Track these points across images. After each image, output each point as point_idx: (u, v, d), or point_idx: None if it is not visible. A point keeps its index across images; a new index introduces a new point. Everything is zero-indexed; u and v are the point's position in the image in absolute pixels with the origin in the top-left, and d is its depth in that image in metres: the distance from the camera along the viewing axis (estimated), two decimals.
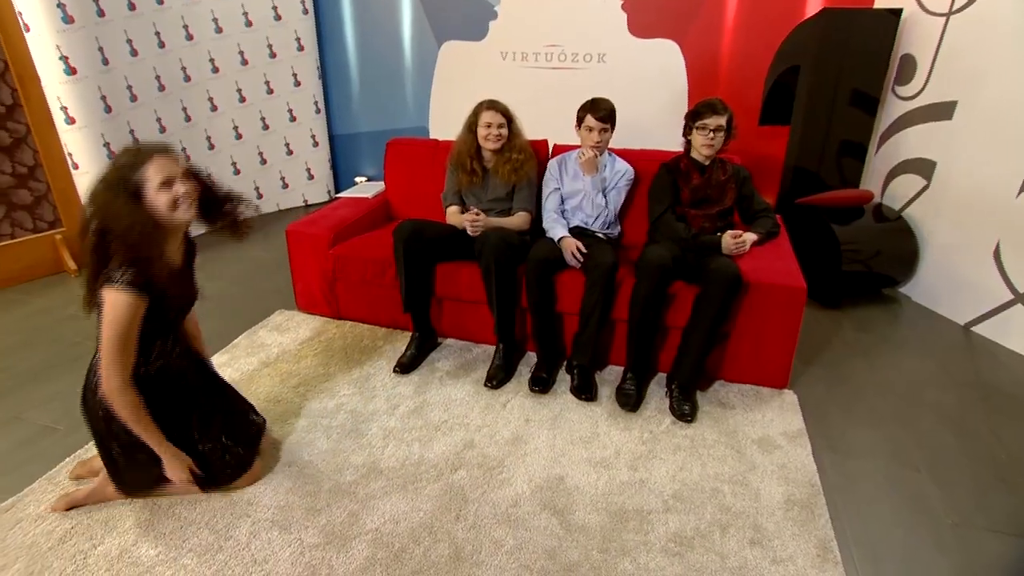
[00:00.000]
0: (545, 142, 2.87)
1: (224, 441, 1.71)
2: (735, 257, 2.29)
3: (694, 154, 2.47)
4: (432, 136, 4.20)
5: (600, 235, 2.55)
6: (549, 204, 2.59)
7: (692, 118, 2.42)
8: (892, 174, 3.17)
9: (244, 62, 3.96)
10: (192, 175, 1.55)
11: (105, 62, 3.22)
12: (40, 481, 1.80)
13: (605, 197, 2.53)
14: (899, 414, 2.17)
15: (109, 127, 3.26)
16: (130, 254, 1.41)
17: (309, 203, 4.51)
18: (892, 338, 2.73)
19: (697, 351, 2.18)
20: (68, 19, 2.95)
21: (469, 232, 2.42)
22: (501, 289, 2.33)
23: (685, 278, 2.28)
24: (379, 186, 3.15)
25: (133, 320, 1.44)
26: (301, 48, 4.12)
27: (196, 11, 3.68)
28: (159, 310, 1.51)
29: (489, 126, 2.52)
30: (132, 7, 3.33)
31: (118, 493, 1.71)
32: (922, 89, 2.96)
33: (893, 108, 3.15)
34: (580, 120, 2.49)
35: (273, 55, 4.05)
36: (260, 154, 4.20)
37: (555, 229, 2.49)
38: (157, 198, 1.45)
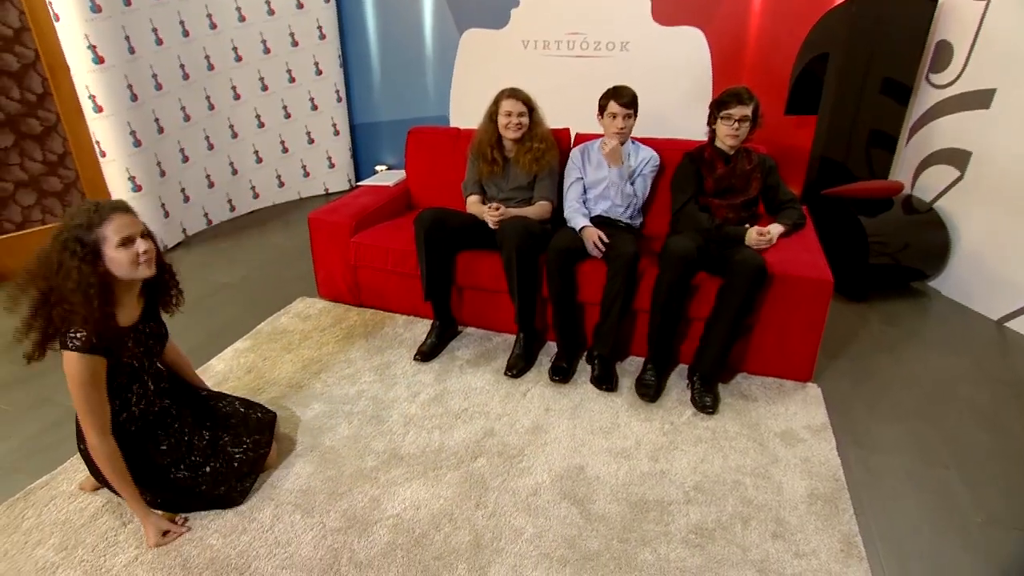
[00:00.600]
0: (567, 131, 2.85)
1: (231, 451, 1.73)
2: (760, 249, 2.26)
3: (718, 143, 2.43)
4: (453, 125, 4.19)
5: (623, 223, 2.52)
6: (571, 194, 2.56)
7: (717, 107, 2.38)
8: (923, 165, 3.08)
9: (267, 51, 3.98)
10: (149, 234, 1.53)
11: (131, 51, 3.25)
12: (72, 459, 1.85)
13: (632, 186, 2.51)
14: (927, 410, 2.13)
15: (135, 115, 3.31)
16: (81, 316, 1.38)
17: (330, 191, 4.54)
18: (920, 333, 2.67)
19: (720, 343, 2.15)
20: (96, 8, 2.99)
21: (490, 224, 2.42)
22: (522, 278, 2.32)
23: (708, 269, 2.25)
24: (400, 175, 3.16)
25: (96, 379, 1.44)
26: (323, 37, 4.13)
27: (220, 0, 3.71)
28: (123, 364, 1.52)
29: (510, 115, 2.50)
30: None
31: None
32: (958, 76, 2.87)
33: (926, 96, 3.06)
34: (602, 108, 2.47)
35: (295, 44, 4.06)
36: (282, 142, 4.23)
37: (576, 219, 2.47)
38: (117, 256, 1.42)
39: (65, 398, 2.29)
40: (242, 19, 3.83)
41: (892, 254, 2.86)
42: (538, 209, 2.55)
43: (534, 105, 2.57)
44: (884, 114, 3.11)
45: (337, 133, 4.41)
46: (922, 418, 2.08)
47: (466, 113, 4.13)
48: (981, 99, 2.75)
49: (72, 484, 1.75)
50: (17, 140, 3.18)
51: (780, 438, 1.95)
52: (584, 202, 2.59)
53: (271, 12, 3.92)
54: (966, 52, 2.82)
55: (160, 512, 1.63)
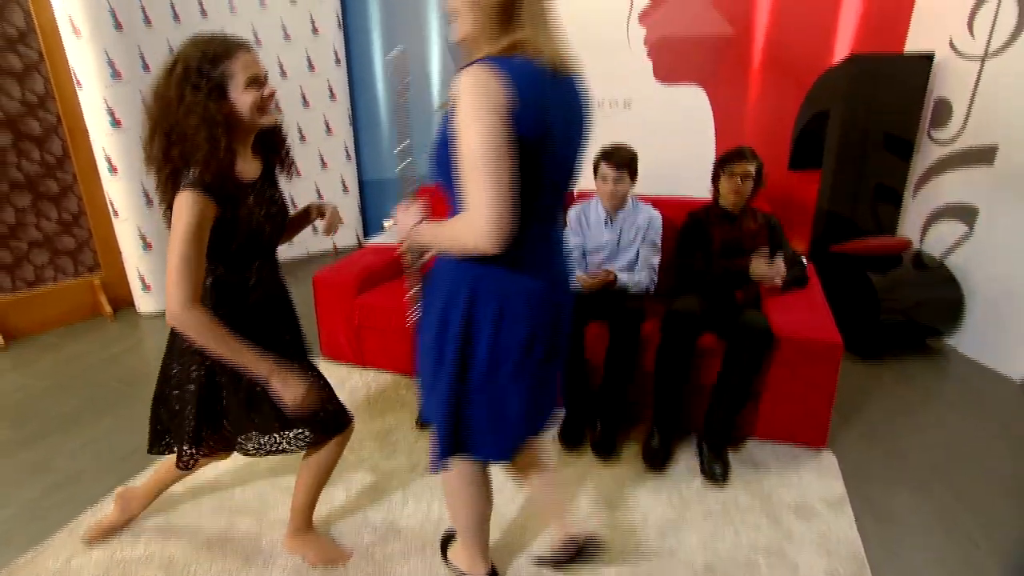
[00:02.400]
0: (571, 194, 2.86)
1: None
2: (764, 284, 2.23)
3: (722, 202, 2.43)
4: None
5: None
6: (571, 260, 2.51)
7: (721, 164, 2.39)
8: (931, 220, 3.06)
9: (277, 109, 4.09)
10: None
11: None
12: (60, 534, 1.80)
13: (639, 252, 2.44)
14: (950, 479, 2.03)
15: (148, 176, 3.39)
16: (203, 153, 1.24)
17: (339, 248, 4.58)
18: (939, 394, 2.58)
19: (728, 408, 2.09)
20: (116, 75, 3.10)
21: None
22: None
23: (715, 330, 2.21)
24: None
25: (200, 228, 1.25)
26: (333, 97, 4.25)
27: None
28: (241, 221, 1.34)
29: None
30: None
31: (142, 501, 1.74)
32: (959, 133, 2.88)
33: (929, 152, 3.06)
34: (595, 169, 2.42)
35: (307, 104, 4.19)
36: (291, 200, 4.30)
37: (574, 275, 2.44)
38: (242, 97, 1.27)
39: (66, 462, 2.27)
40: None
41: (904, 311, 2.81)
42: None
43: None
44: (888, 169, 3.11)
45: (346, 190, 4.49)
46: (946, 487, 1.99)
47: None
48: (984, 156, 2.75)
49: (58, 561, 1.70)
50: (34, 200, 3.26)
51: (795, 512, 1.86)
52: (586, 268, 2.56)
53: (283, 74, 4.06)
54: (965, 109, 2.83)
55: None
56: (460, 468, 1.37)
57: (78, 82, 3.11)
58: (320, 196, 4.44)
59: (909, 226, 3.21)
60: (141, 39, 3.32)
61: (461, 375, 1.20)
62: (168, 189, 1.29)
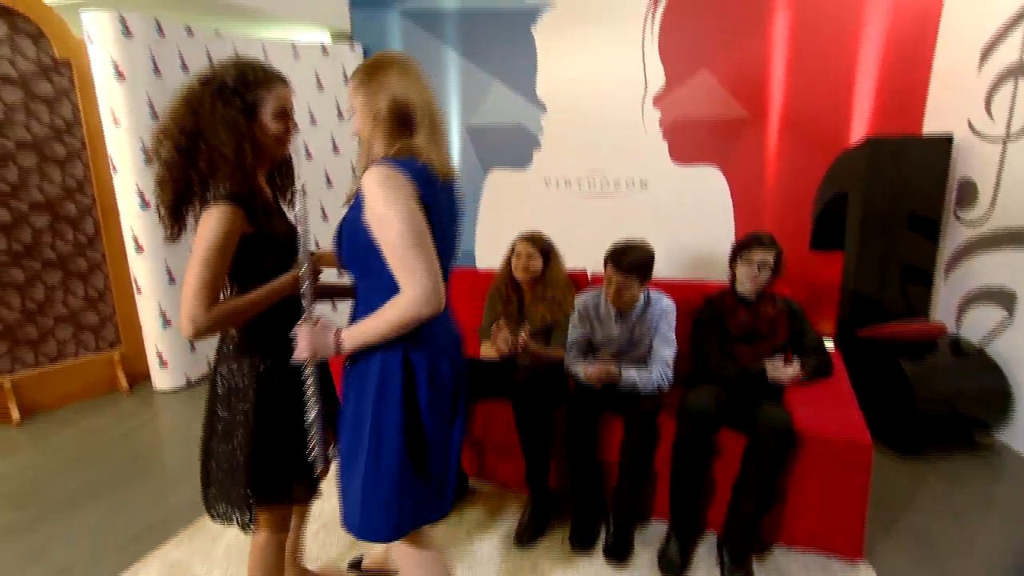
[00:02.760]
0: (584, 274, 2.83)
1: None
2: (786, 385, 2.10)
3: (738, 287, 2.35)
4: (478, 260, 4.27)
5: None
6: (573, 347, 2.35)
7: (738, 250, 2.33)
8: (966, 304, 2.91)
9: (303, 191, 4.23)
10: None
11: None
12: None
13: (652, 347, 2.33)
14: None
15: (171, 253, 3.48)
16: (230, 164, 1.22)
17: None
18: (990, 496, 2.36)
19: (749, 511, 1.93)
20: (149, 160, 3.25)
21: (500, 345, 2.27)
22: (532, 430, 2.19)
23: (733, 424, 2.08)
24: None
25: (227, 240, 1.21)
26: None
27: None
28: (270, 237, 1.32)
29: (519, 256, 2.51)
30: None
31: None
32: (988, 214, 2.78)
33: (957, 233, 2.96)
34: (605, 265, 2.27)
35: (330, 184, 4.32)
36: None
37: (577, 367, 2.29)
38: (272, 125, 1.29)
39: (62, 549, 2.21)
40: None
41: (943, 401, 2.62)
42: (556, 352, 2.47)
43: (551, 250, 2.57)
44: (915, 249, 3.00)
45: None
46: None
47: (490, 248, 4.23)
48: (1016, 238, 2.64)
49: None
50: (64, 278, 3.36)
51: None
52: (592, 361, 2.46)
53: (308, 156, 4.22)
54: (991, 190, 2.75)
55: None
56: (417, 540, 1.36)
57: (114, 167, 3.27)
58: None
59: (942, 310, 3.06)
60: None
61: (413, 450, 1.26)
62: (188, 201, 1.27)
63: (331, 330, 1.22)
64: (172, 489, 2.51)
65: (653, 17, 3.54)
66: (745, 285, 2.30)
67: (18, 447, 2.97)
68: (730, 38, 3.37)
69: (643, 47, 3.59)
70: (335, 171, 4.32)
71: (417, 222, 1.14)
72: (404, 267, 1.13)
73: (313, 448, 1.31)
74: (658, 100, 3.61)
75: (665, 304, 2.38)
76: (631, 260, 2.16)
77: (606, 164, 3.79)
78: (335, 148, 4.28)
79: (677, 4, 3.47)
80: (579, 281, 2.77)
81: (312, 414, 1.30)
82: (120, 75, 3.09)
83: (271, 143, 1.32)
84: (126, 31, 3.08)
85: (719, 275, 3.55)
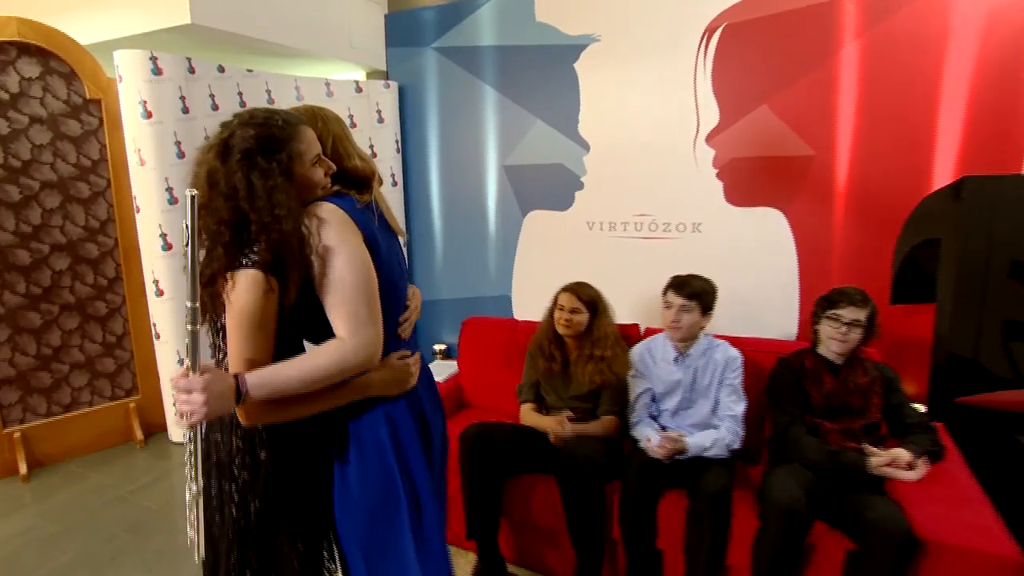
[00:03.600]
0: (636, 328, 2.52)
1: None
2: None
3: (822, 350, 2.02)
4: (515, 309, 4.00)
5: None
6: (638, 407, 2.17)
7: (823, 305, 2.02)
8: None
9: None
10: None
11: None
12: None
13: (718, 401, 2.08)
14: None
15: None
16: (278, 234, 1.08)
17: None
18: None
19: None
20: (173, 200, 3.11)
21: (552, 439, 2.04)
22: (582, 519, 1.87)
23: (826, 518, 1.72)
24: (451, 367, 2.89)
25: (258, 304, 1.07)
26: None
27: None
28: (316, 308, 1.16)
29: (562, 309, 2.25)
30: None
31: None
32: None
33: None
34: (664, 293, 2.17)
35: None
36: None
37: (643, 430, 2.05)
38: (311, 175, 1.16)
39: None
40: None
41: None
42: (603, 425, 2.16)
43: (599, 303, 2.29)
44: (1018, 302, 2.61)
45: None
46: None
47: (528, 295, 3.96)
48: None
49: None
50: (82, 323, 3.21)
51: None
52: (654, 418, 2.18)
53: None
54: None
55: None
56: None
57: (137, 207, 3.14)
58: None
59: None
60: None
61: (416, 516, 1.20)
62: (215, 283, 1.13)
63: (223, 377, 1.04)
64: (173, 567, 2.24)
65: (706, 49, 3.30)
66: (831, 348, 1.98)
67: (21, 504, 2.77)
68: (793, 69, 3.09)
69: (695, 81, 3.34)
70: None
71: (364, 260, 1.13)
72: (345, 309, 1.10)
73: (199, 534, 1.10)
74: (712, 137, 3.34)
75: (730, 352, 2.14)
76: (694, 287, 2.07)
77: (654, 206, 3.51)
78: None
79: (733, 35, 3.22)
80: (630, 336, 2.46)
81: (195, 487, 1.08)
82: (148, 114, 2.97)
83: (312, 193, 1.18)
84: (156, 70, 2.98)
85: (783, 333, 3.21)
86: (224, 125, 1.14)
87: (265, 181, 1.09)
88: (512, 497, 2.08)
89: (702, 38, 3.30)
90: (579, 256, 3.72)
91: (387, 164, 4.15)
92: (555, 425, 2.06)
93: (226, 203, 1.09)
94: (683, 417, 2.14)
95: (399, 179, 4.25)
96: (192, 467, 1.08)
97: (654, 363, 2.19)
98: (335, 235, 1.10)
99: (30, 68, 2.93)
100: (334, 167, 1.22)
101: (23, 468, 2.98)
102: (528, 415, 2.28)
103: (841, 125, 3.03)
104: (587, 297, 2.27)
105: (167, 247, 3.13)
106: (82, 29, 3.12)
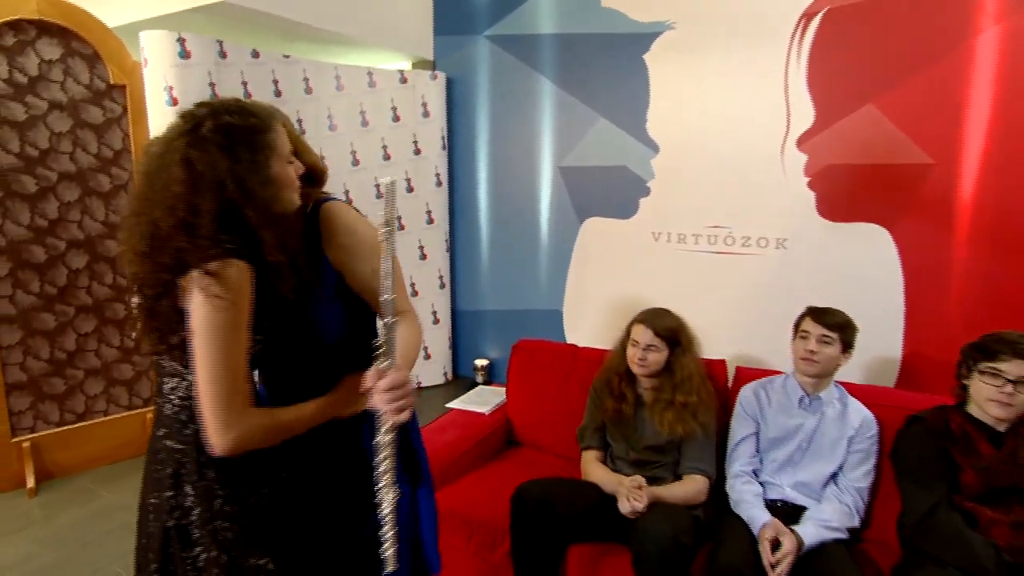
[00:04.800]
0: (722, 364, 2.12)
1: None
2: None
3: (976, 412, 1.59)
4: (566, 322, 3.62)
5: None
6: (739, 454, 1.80)
7: (974, 356, 1.59)
8: None
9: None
10: None
11: None
12: None
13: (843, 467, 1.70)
14: None
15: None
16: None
17: (423, 385, 4.01)
18: None
19: None
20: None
21: (623, 511, 1.66)
22: None
23: None
24: (499, 396, 2.52)
25: (241, 310, 0.95)
26: (431, 221, 3.88)
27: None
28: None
29: (635, 344, 1.87)
30: None
31: None
32: None
33: None
34: (796, 327, 1.83)
35: (401, 227, 3.82)
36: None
37: (749, 506, 1.67)
38: (286, 173, 1.05)
39: None
40: (349, 201, 3.66)
41: None
42: (686, 489, 1.77)
43: (680, 338, 1.89)
44: None
45: (437, 321, 3.99)
46: None
47: (580, 315, 3.58)
48: None
49: None
50: (99, 325, 2.97)
51: None
52: (755, 472, 1.80)
53: (380, 196, 3.74)
54: None
55: None
56: None
57: None
58: None
59: None
60: None
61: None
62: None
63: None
64: None
65: (802, 38, 2.85)
66: (991, 411, 1.54)
67: (26, 523, 2.54)
68: (909, 62, 2.62)
69: (786, 75, 2.90)
70: (408, 212, 3.83)
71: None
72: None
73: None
74: (804, 141, 2.89)
75: (866, 413, 1.80)
76: (838, 319, 1.75)
77: (732, 217, 3.08)
78: (410, 188, 3.79)
79: (836, 22, 2.77)
80: (716, 375, 2.06)
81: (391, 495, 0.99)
82: (173, 101, 2.70)
83: (288, 196, 1.06)
84: (184, 53, 2.70)
85: (874, 371, 2.75)
86: (190, 113, 1.00)
87: (255, 155, 0.99)
88: (576, 569, 1.71)
89: (798, 24, 2.85)
90: (642, 270, 3.32)
91: (432, 162, 3.82)
92: (627, 496, 1.67)
93: (209, 194, 0.94)
94: (791, 473, 1.77)
95: (444, 179, 3.91)
96: (388, 472, 1.00)
97: (769, 404, 1.83)
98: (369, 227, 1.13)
99: (51, 50, 2.68)
100: (303, 168, 1.11)
101: (31, 481, 2.75)
102: (592, 467, 1.91)
103: (970, 130, 2.55)
104: (665, 331, 1.88)
105: None
106: (107, 9, 2.88)
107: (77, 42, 2.75)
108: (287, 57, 3.22)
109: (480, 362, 3.90)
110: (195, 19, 2.85)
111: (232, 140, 0.97)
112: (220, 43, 2.87)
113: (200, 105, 1.01)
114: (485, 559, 1.85)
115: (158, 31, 2.70)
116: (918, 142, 2.65)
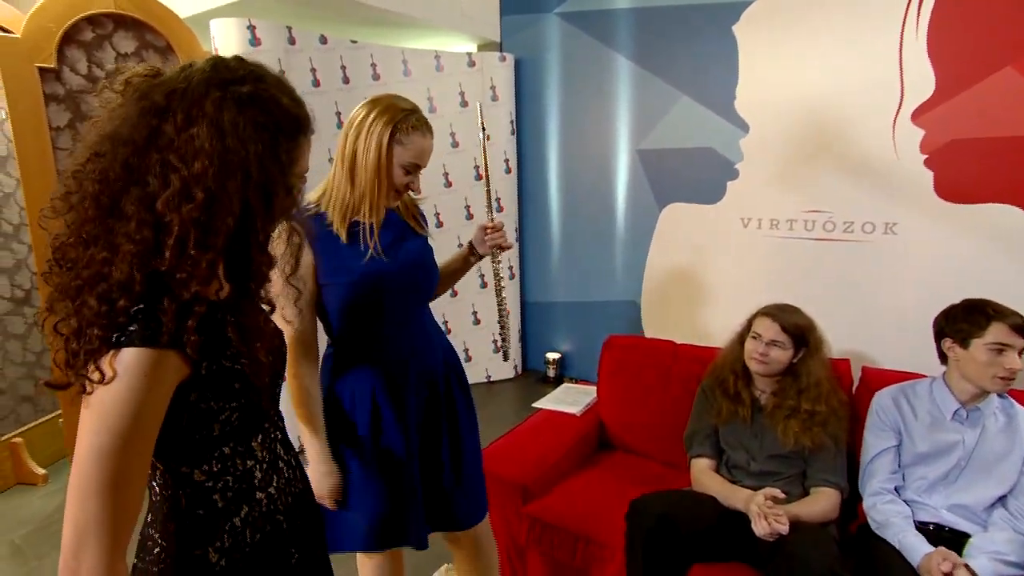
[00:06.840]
0: (846, 363, 1.91)
1: None
2: None
3: None
4: (644, 315, 3.43)
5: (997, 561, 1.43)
6: (877, 469, 1.61)
7: None
8: None
9: (439, 223, 3.64)
10: None
11: None
12: None
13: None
14: None
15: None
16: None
17: (492, 379, 3.90)
18: None
19: None
20: None
21: (758, 532, 1.49)
22: None
23: None
24: (588, 395, 2.38)
25: (142, 412, 0.64)
26: (500, 208, 3.74)
27: None
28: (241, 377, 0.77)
29: (757, 337, 1.68)
30: None
31: None
32: None
33: None
34: (965, 334, 1.50)
35: (470, 216, 3.70)
36: (445, 322, 3.75)
37: (900, 531, 1.48)
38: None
39: None
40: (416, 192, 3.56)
41: None
42: (823, 506, 1.59)
43: (809, 337, 1.70)
44: None
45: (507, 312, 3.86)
46: None
47: (660, 308, 3.38)
48: None
49: None
50: None
51: None
52: (897, 490, 1.60)
53: (449, 184, 3.63)
54: None
55: None
56: None
57: None
58: (476, 319, 3.85)
59: None
60: None
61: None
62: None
63: None
64: None
65: None
66: None
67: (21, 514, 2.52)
68: None
69: (901, 41, 2.61)
70: (476, 201, 3.70)
71: None
72: None
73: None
74: (921, 114, 2.60)
75: None
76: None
77: (832, 200, 2.82)
78: (478, 175, 3.66)
79: None
80: (841, 375, 1.85)
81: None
82: None
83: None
84: (254, 39, 2.63)
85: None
86: (226, 66, 0.73)
87: (284, 177, 0.75)
88: None
89: None
90: (730, 259, 3.10)
91: (500, 147, 3.67)
92: (763, 514, 1.49)
93: (232, 182, 0.69)
94: (945, 494, 1.55)
95: (513, 164, 3.76)
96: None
97: (914, 415, 1.61)
98: None
99: (126, 43, 2.65)
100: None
101: (39, 470, 2.80)
102: (706, 477, 1.74)
103: None
104: (794, 328, 1.69)
105: None
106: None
107: (151, 34, 2.71)
108: (354, 43, 3.11)
109: (552, 355, 3.76)
110: (263, 4, 2.77)
111: (276, 121, 0.73)
112: (289, 29, 2.79)
113: (238, 59, 0.75)
114: (588, 573, 1.72)
115: (229, 19, 2.63)
116: None
